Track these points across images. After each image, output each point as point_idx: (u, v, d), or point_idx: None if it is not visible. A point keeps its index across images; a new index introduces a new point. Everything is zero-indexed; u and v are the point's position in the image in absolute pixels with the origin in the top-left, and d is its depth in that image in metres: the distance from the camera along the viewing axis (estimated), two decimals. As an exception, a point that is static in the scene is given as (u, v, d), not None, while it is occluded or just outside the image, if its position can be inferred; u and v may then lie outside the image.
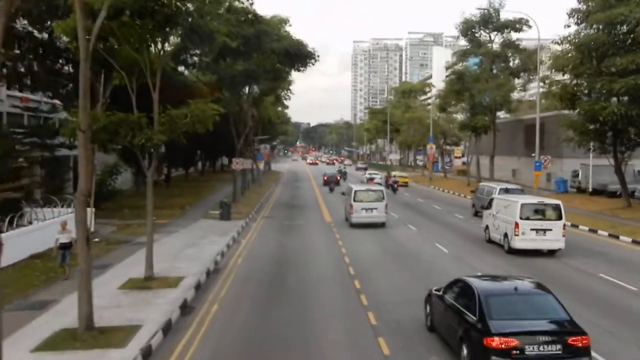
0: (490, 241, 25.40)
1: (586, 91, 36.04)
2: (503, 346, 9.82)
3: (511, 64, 53.74)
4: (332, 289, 17.50)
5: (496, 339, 9.89)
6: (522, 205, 22.63)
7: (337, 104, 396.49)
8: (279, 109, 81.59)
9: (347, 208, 32.25)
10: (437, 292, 12.93)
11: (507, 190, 32.44)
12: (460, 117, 79.71)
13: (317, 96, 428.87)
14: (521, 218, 22.23)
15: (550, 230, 22.26)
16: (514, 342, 9.84)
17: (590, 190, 46.99)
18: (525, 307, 10.70)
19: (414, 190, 59.92)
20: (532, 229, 22.18)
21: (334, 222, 32.49)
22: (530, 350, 9.85)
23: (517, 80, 54.94)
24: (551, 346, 9.92)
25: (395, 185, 53.43)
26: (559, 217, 22.38)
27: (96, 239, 26.28)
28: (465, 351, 10.63)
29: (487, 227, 26.03)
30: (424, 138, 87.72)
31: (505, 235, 23.30)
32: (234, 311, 15.12)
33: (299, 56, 38.72)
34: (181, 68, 46.58)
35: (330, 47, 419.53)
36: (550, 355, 9.90)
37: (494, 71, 53.88)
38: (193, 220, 32.79)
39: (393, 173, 65.19)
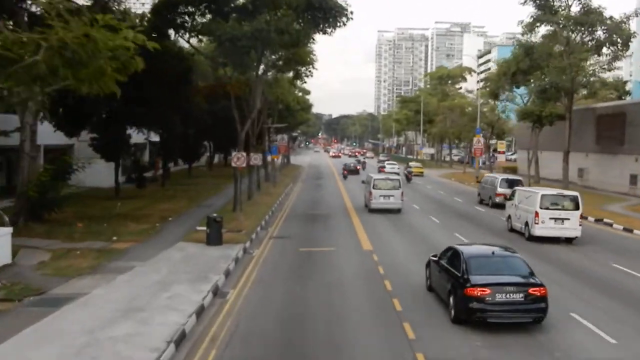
0: (512, 230, 26.75)
1: None
2: (479, 294, 12.55)
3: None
4: None
5: (475, 289, 12.61)
6: (542, 196, 24.21)
7: (359, 95, 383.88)
8: (299, 94, 70.91)
9: (366, 195, 35.11)
10: (433, 258, 15.65)
11: (507, 180, 36.32)
12: (496, 104, 68.61)
13: (338, 87, 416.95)
14: (541, 208, 23.85)
15: (568, 219, 23.85)
16: (487, 291, 12.54)
17: None
18: (499, 266, 13.52)
19: (464, 194, 48.85)
20: (550, 218, 23.81)
21: (378, 255, 21.62)
22: (499, 297, 12.57)
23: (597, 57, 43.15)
24: (515, 294, 12.64)
25: (410, 176, 58.02)
26: (576, 208, 23.92)
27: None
28: (452, 300, 13.32)
29: (509, 216, 27.50)
30: (464, 129, 76.65)
31: (526, 223, 24.92)
32: None
33: (326, 12, 27.91)
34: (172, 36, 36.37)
35: (353, 37, 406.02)
36: (514, 301, 12.62)
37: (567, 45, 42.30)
38: (167, 243, 22.21)
39: (410, 164, 70.55)
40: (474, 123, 66.44)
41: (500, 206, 32.89)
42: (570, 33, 40.57)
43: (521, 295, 12.59)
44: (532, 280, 13.00)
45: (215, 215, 22.16)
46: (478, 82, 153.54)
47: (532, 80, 44.91)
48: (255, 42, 28.20)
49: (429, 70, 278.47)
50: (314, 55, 37.02)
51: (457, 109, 72.24)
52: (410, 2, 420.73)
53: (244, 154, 27.91)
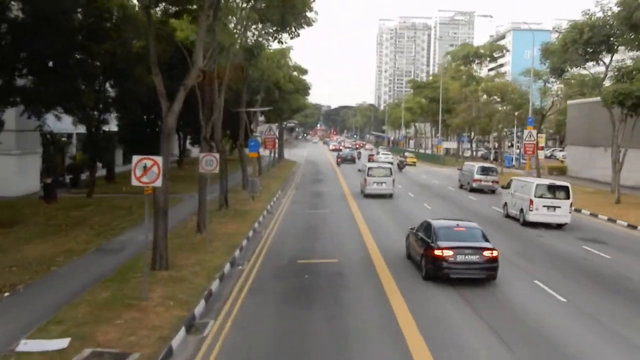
0: (508, 216, 28.83)
1: None
2: (444, 255, 15.62)
3: None
4: None
5: (441, 251, 15.67)
6: (537, 185, 26.34)
7: (359, 86, 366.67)
8: (294, 72, 55.73)
9: (362, 182, 38.20)
10: (412, 230, 18.76)
11: (482, 168, 42.19)
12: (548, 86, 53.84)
13: (337, 78, 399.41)
14: (535, 196, 25.70)
15: (560, 207, 25.66)
16: (450, 252, 15.60)
17: None
18: (462, 235, 16.46)
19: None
20: (544, 206, 25.66)
21: None
22: (460, 258, 15.59)
23: None
24: (472, 256, 15.66)
25: (401, 165, 62.18)
26: (567, 197, 25.75)
27: None
28: (423, 262, 16.45)
29: (505, 204, 29.63)
30: (495, 120, 61.93)
31: (521, 210, 26.82)
32: None
33: None
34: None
35: (352, 26, 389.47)
36: (471, 261, 15.65)
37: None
38: None
39: (405, 154, 77.77)
40: (516, 111, 51.44)
41: (478, 190, 40.24)
42: None
43: (477, 256, 15.66)
44: (486, 245, 15.94)
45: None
46: (489, 70, 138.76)
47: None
48: None
49: (431, 60, 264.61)
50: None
51: (497, 92, 57.20)
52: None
53: (158, 159, 12.63)
